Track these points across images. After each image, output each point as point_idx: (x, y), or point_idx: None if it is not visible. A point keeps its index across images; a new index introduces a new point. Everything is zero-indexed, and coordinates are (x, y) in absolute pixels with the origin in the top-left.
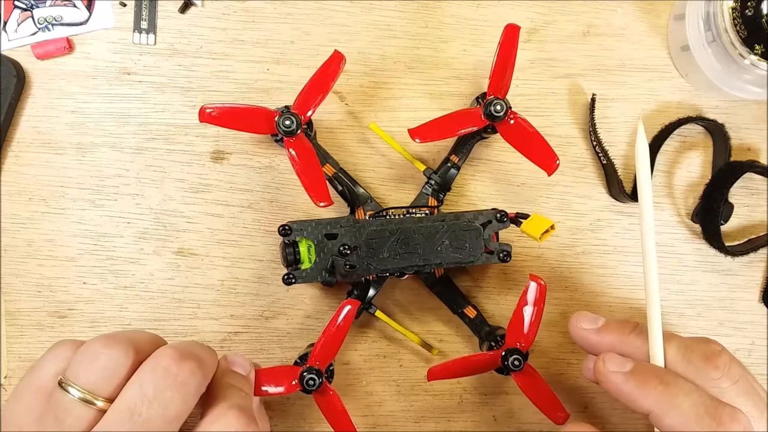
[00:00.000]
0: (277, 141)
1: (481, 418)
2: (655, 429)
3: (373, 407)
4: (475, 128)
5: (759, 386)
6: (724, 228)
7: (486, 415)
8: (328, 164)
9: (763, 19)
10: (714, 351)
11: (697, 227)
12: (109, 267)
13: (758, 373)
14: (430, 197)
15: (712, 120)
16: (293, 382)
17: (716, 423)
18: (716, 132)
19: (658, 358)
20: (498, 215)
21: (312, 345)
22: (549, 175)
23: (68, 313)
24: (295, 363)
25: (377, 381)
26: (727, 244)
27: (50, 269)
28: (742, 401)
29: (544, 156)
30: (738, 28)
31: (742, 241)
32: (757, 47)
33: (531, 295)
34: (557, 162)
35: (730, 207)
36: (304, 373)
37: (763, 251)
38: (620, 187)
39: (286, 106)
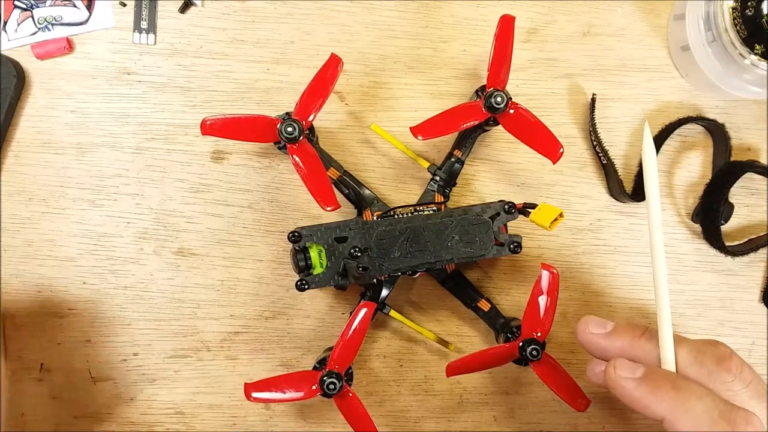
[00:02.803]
0: (280, 148)
1: (481, 418)
2: None
3: (373, 407)
4: (476, 122)
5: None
6: (724, 228)
7: (486, 415)
8: (332, 168)
9: (763, 19)
10: (725, 354)
11: (697, 227)
12: (109, 267)
13: (759, 373)
14: (436, 193)
15: (712, 120)
16: (313, 387)
17: (730, 427)
18: (716, 132)
19: (669, 363)
20: (506, 207)
21: (329, 349)
22: (554, 162)
23: (68, 313)
24: (314, 368)
25: (376, 381)
26: (727, 244)
27: (50, 269)
28: (754, 403)
29: (547, 144)
30: (738, 28)
31: (742, 241)
32: (757, 47)
33: (544, 285)
34: (561, 150)
35: (730, 207)
36: (324, 378)
37: (763, 251)
38: (620, 187)
39: (287, 113)
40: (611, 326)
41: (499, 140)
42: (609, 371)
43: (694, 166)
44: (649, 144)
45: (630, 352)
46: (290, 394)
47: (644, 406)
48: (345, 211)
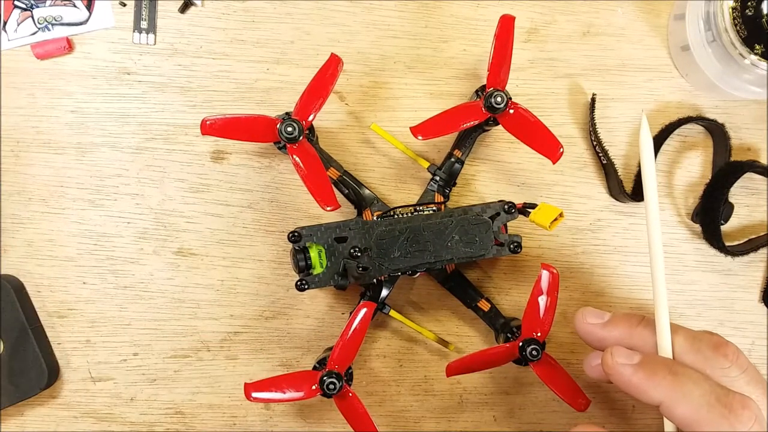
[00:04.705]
0: (279, 148)
1: (481, 418)
2: (665, 420)
3: (373, 407)
4: (476, 121)
5: (762, 376)
6: (724, 228)
7: (486, 415)
8: (332, 168)
9: (763, 19)
10: (721, 341)
11: (697, 227)
12: (109, 267)
13: (759, 373)
14: (436, 193)
15: (712, 120)
16: (313, 387)
17: (727, 410)
18: (716, 132)
19: (666, 349)
20: (506, 207)
21: (329, 349)
22: (554, 162)
23: (68, 313)
24: (314, 368)
25: (376, 381)
26: (727, 244)
27: (50, 269)
28: (750, 389)
29: (547, 144)
30: (738, 27)
31: (742, 241)
32: (757, 47)
33: (544, 284)
34: (561, 150)
35: (730, 207)
36: (324, 378)
37: (763, 251)
38: (620, 187)
39: (286, 113)
40: (608, 316)
41: (499, 140)
42: (606, 358)
43: (694, 166)
44: (645, 129)
45: (627, 341)
46: (290, 394)
47: (642, 392)
48: (345, 211)
